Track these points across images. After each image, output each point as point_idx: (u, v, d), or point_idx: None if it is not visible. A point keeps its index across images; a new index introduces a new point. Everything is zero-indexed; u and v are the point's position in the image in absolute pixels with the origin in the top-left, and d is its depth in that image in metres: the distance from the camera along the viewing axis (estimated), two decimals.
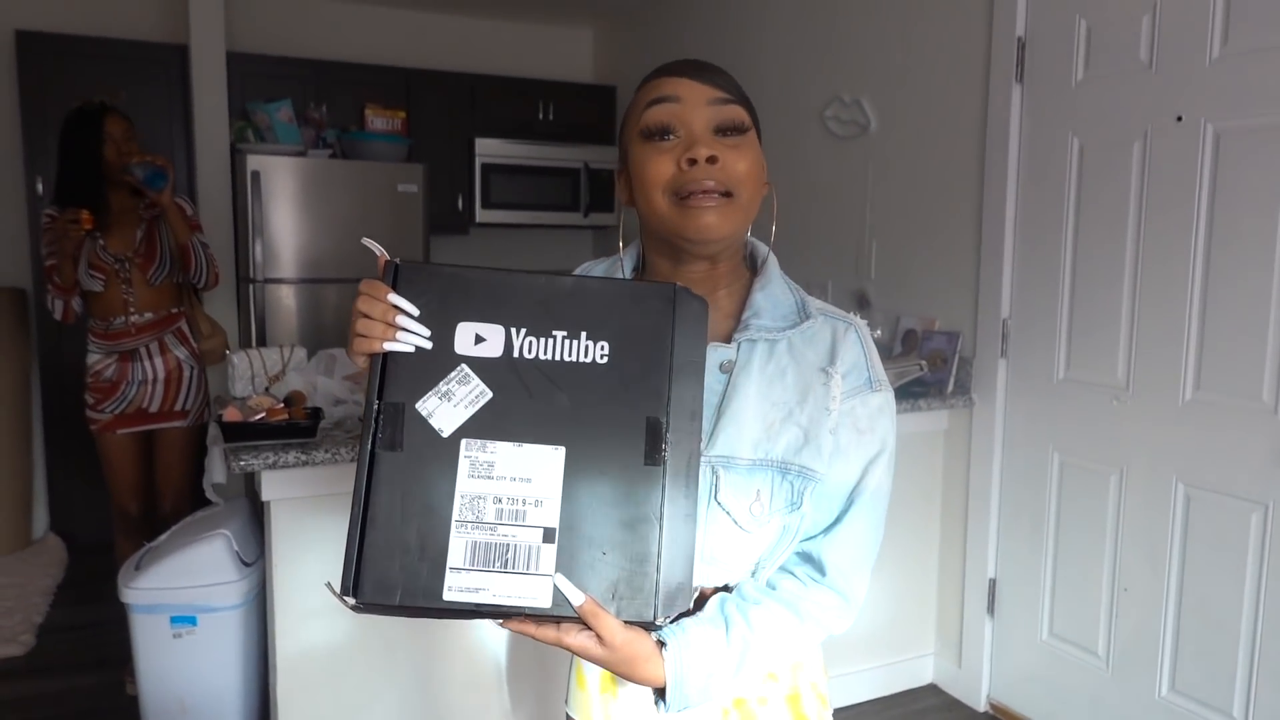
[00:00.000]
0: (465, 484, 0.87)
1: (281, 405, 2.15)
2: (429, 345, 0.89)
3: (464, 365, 0.89)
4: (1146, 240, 2.30)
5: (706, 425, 0.97)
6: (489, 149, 4.53)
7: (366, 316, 0.88)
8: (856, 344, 1.02)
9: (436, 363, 0.88)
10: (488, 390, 0.88)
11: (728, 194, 0.97)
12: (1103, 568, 2.46)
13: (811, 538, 1.02)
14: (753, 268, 1.10)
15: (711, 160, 0.96)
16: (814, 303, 1.06)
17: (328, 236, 3.91)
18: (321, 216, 3.89)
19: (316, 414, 2.13)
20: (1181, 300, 2.22)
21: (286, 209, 3.81)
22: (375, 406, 0.87)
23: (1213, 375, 2.17)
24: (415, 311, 0.89)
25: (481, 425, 0.88)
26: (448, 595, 0.85)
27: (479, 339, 0.89)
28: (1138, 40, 2.28)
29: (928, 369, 2.75)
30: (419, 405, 0.88)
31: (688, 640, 0.94)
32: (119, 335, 2.79)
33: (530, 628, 0.88)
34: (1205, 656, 2.22)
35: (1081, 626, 2.53)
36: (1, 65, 3.83)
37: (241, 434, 2.04)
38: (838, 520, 1.01)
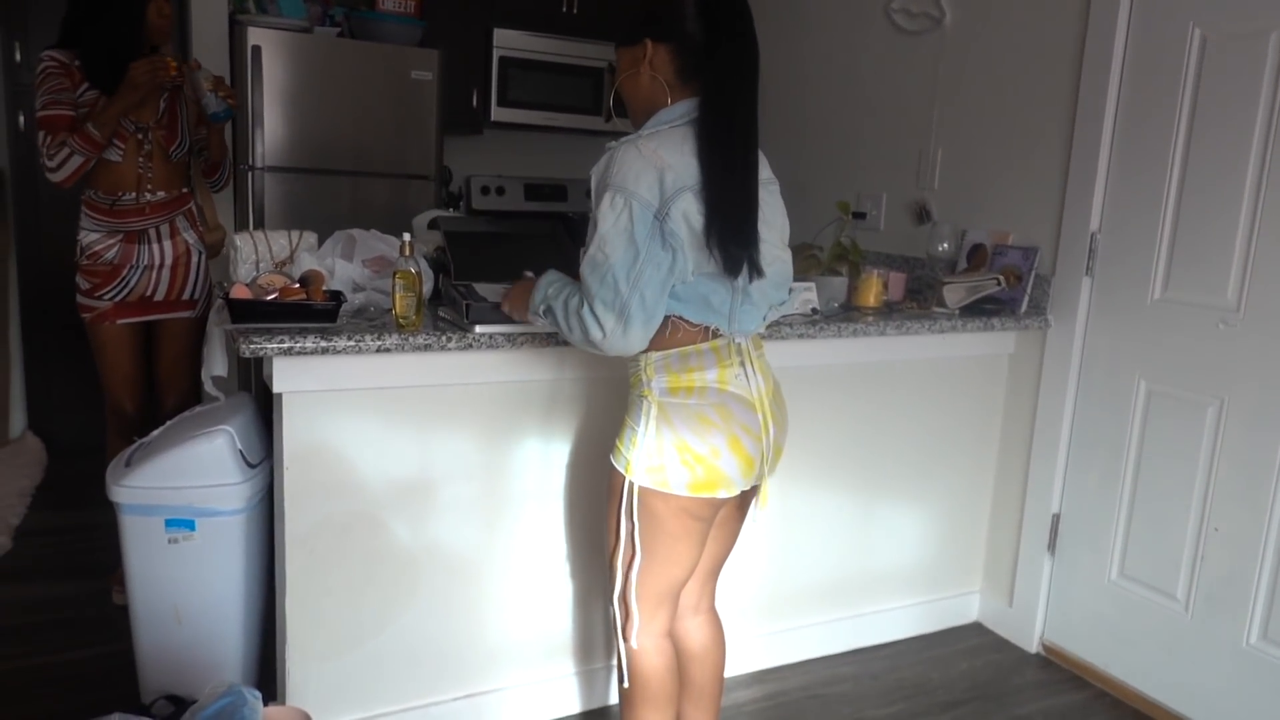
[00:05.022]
0: None
1: (297, 285, 1.88)
2: None
3: None
4: (1278, 146, 2.04)
5: None
6: (508, 41, 4.17)
7: None
8: (600, 164, 1.53)
9: None
10: None
11: None
12: (1190, 506, 2.26)
13: None
14: None
15: None
16: (634, 135, 1.53)
17: (334, 122, 3.57)
18: (328, 100, 3.55)
19: (337, 296, 1.87)
20: None
21: (290, 90, 3.47)
22: None
23: None
24: None
25: None
26: None
27: None
28: None
29: (1005, 284, 2.50)
30: None
31: (548, 275, 1.63)
32: (127, 214, 2.48)
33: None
34: None
35: (1159, 568, 2.33)
36: None
37: (251, 314, 1.77)
38: None
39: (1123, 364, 2.39)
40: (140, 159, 2.48)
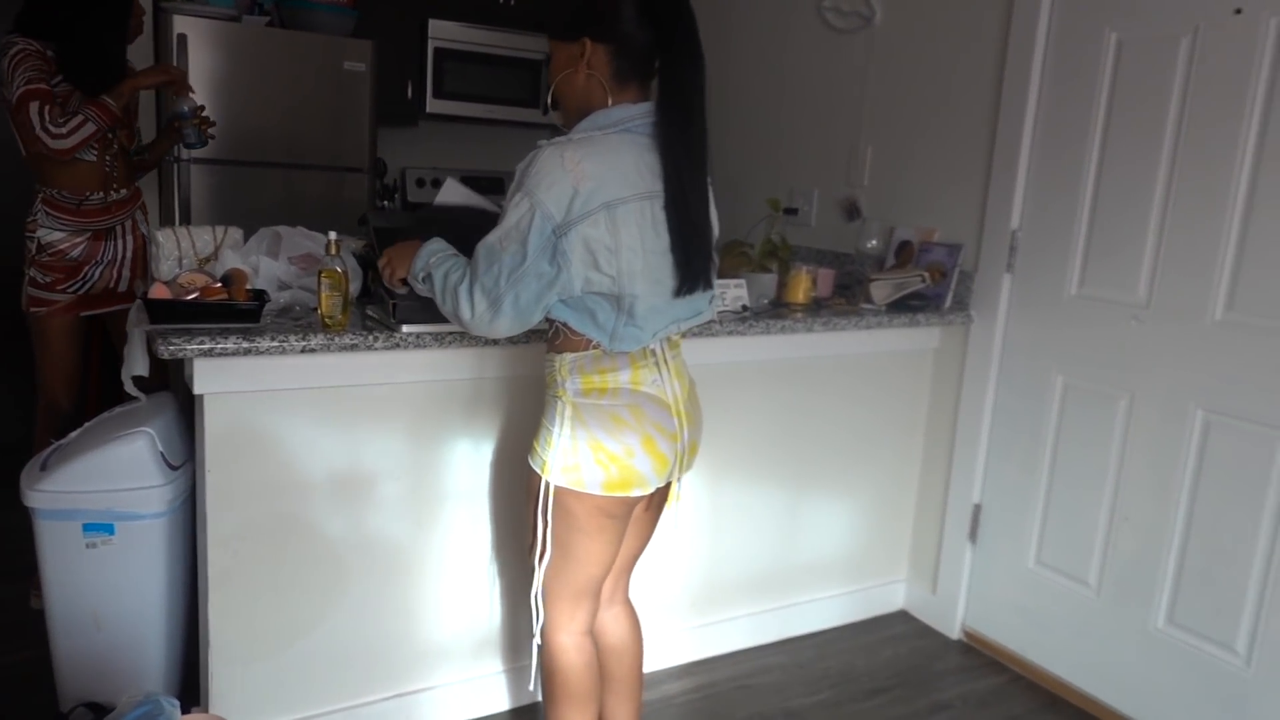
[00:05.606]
0: None
1: (219, 284, 1.85)
2: None
3: None
4: (1186, 147, 2.12)
5: None
6: (443, 32, 4.13)
7: None
8: (525, 159, 1.53)
9: None
10: None
11: None
12: (1102, 495, 2.34)
13: None
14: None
15: None
16: (565, 137, 1.54)
17: (264, 114, 3.51)
18: (257, 91, 3.48)
19: (260, 296, 1.84)
20: (1221, 212, 2.05)
21: (217, 80, 3.39)
22: None
23: (1250, 295, 2.02)
24: None
25: None
26: None
27: None
28: None
29: (930, 281, 2.56)
30: None
31: (432, 243, 1.66)
32: (94, 213, 2.53)
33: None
34: (1210, 588, 2.12)
35: (1073, 555, 2.42)
36: None
37: (171, 315, 1.74)
38: None
39: (1041, 358, 2.47)
40: (108, 159, 2.52)
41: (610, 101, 1.55)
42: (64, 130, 2.35)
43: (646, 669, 2.39)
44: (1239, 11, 1.99)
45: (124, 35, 2.54)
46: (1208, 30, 2.05)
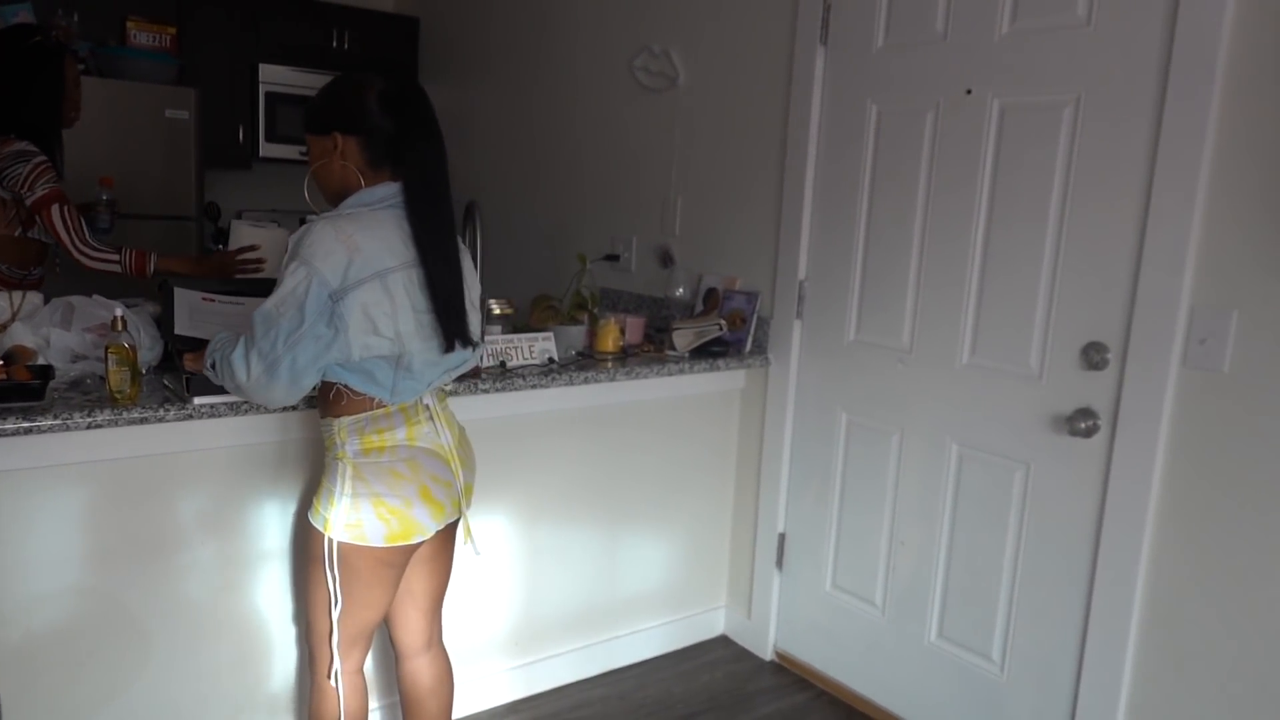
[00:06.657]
0: None
1: (1, 362, 1.85)
2: None
3: None
4: (935, 208, 2.36)
5: None
6: (275, 76, 4.13)
7: None
8: (299, 233, 1.63)
9: None
10: None
11: None
12: (883, 523, 2.56)
13: None
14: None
15: None
16: (335, 212, 1.68)
17: (80, 164, 3.44)
18: (76, 141, 3.40)
19: (45, 373, 1.85)
20: (963, 269, 2.30)
21: None
22: None
23: (987, 342, 2.27)
24: None
25: None
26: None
27: None
28: (934, 10, 2.32)
29: (726, 329, 2.75)
30: None
31: (219, 335, 1.76)
32: (34, 285, 2.71)
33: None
34: (970, 604, 2.36)
35: (862, 578, 2.64)
36: None
37: None
38: None
39: (827, 398, 2.69)
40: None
41: (364, 184, 1.70)
42: (97, 257, 2.58)
43: (468, 711, 2.48)
44: (969, 92, 2.25)
45: (54, 107, 2.72)
46: (946, 107, 2.31)
